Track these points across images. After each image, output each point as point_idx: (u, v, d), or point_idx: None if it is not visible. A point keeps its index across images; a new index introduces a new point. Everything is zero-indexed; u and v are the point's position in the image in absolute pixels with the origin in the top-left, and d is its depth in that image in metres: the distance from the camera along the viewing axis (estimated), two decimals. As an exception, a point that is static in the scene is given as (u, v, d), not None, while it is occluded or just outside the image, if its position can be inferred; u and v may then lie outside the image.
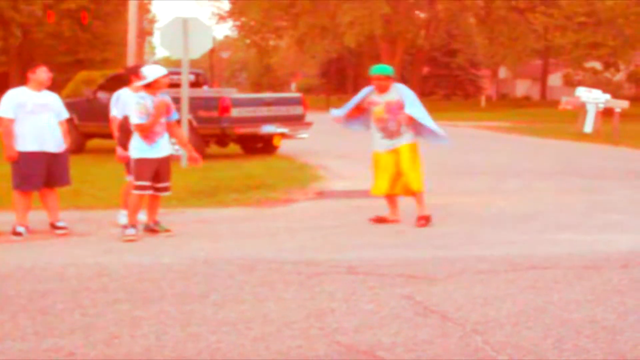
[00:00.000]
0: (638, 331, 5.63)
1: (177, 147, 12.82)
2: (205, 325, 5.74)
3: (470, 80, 70.26)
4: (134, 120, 9.15)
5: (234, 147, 20.03)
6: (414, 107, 9.95)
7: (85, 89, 22.07)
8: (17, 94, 9.41)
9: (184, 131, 16.21)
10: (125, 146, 9.64)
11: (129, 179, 9.67)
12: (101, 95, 19.36)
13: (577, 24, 42.80)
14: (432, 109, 10.72)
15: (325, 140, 21.87)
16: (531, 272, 7.34)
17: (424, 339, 5.43)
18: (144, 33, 58.28)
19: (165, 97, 9.38)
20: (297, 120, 19.44)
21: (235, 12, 61.88)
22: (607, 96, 27.12)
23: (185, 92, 16.70)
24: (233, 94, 19.86)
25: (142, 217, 9.47)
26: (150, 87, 9.21)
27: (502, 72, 74.04)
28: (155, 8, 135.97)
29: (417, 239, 9.14)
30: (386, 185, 10.13)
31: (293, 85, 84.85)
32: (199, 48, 17.08)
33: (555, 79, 70.41)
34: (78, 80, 33.31)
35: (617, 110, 25.90)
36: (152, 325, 5.74)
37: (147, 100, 9.14)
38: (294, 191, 12.98)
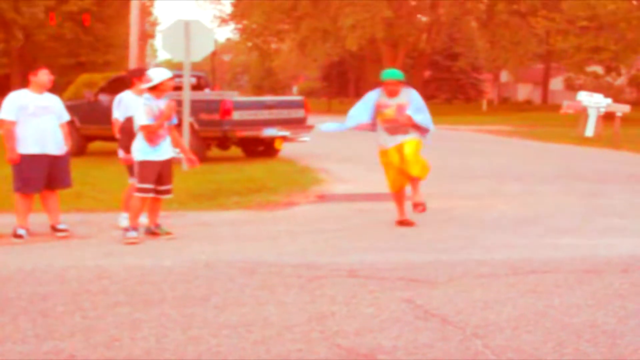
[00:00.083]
0: (639, 335, 5.62)
1: (178, 149, 12.82)
2: (206, 328, 5.74)
3: (471, 84, 70.25)
4: (142, 121, 9.13)
5: (235, 150, 20.03)
6: (418, 111, 10.05)
7: (86, 92, 22.06)
8: (18, 97, 9.42)
9: (186, 134, 16.25)
10: (126, 149, 9.65)
11: (132, 181, 9.67)
12: (102, 97, 19.40)
13: (579, 28, 42.81)
14: (433, 113, 10.73)
15: (326, 143, 21.87)
16: (532, 276, 7.34)
17: (425, 343, 5.43)
18: (146, 36, 58.31)
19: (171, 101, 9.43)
20: (298, 124, 19.45)
21: (237, 15, 61.93)
22: (609, 100, 27.14)
23: (187, 95, 16.71)
24: (235, 97, 19.91)
25: (143, 219, 9.47)
26: (156, 89, 9.23)
27: (504, 76, 74.03)
28: (157, 11, 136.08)
29: (418, 242, 9.14)
30: (399, 179, 10.13)
31: (295, 89, 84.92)
32: (201, 51, 17.10)
33: (556, 83, 70.39)
34: (79, 83, 33.32)
35: (619, 114, 25.93)
36: (153, 328, 5.74)
37: (153, 103, 9.15)
38: (295, 194, 12.98)
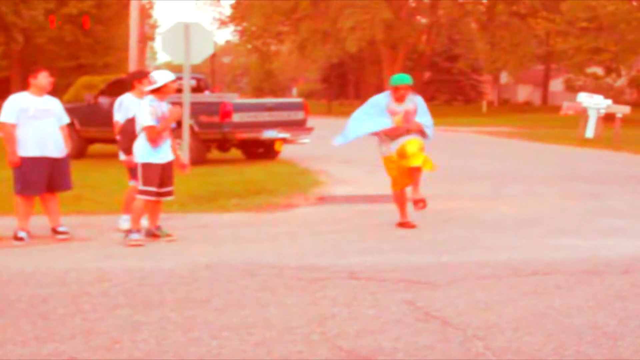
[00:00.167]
0: (639, 337, 5.63)
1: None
2: (207, 330, 5.74)
3: (471, 85, 70.31)
4: (147, 122, 9.11)
5: (235, 152, 20.04)
6: (425, 115, 10.06)
7: (86, 94, 22.07)
8: (19, 99, 9.42)
9: (186, 136, 16.26)
10: (127, 151, 9.64)
11: (133, 183, 9.67)
12: (102, 100, 19.41)
13: (578, 30, 42.84)
14: (433, 114, 10.72)
15: (326, 145, 21.76)
16: (532, 277, 7.34)
17: (425, 344, 5.43)
18: (146, 38, 58.18)
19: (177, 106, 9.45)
20: (298, 126, 19.44)
21: (237, 17, 62.00)
22: (609, 102, 27.16)
23: (187, 97, 16.71)
24: (234, 99, 19.89)
25: (144, 222, 9.46)
26: (159, 91, 9.23)
27: (504, 78, 73.99)
28: (156, 13, 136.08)
29: (418, 244, 9.14)
30: (402, 177, 10.11)
31: (294, 91, 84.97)
32: (201, 53, 17.09)
33: (556, 85, 70.38)
34: (79, 85, 33.33)
35: (619, 115, 25.94)
36: (153, 330, 5.74)
37: (157, 105, 9.16)
38: (295, 196, 12.98)
